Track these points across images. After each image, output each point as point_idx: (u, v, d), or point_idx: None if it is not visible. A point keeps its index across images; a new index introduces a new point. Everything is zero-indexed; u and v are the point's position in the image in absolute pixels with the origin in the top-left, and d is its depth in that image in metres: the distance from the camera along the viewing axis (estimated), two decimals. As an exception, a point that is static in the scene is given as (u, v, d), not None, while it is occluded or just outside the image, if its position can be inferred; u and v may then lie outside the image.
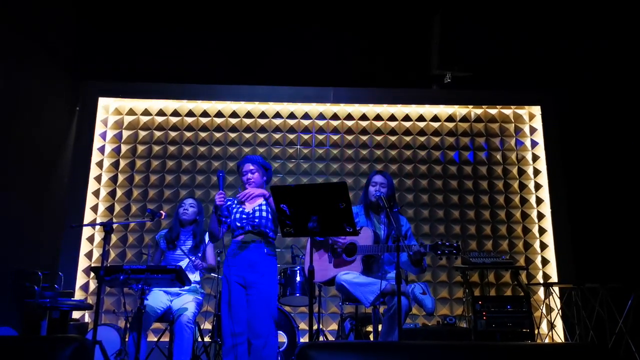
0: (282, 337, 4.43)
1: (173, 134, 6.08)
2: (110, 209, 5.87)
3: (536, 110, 6.20)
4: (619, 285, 4.72)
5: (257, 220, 3.29)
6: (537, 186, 6.02)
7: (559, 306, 5.31)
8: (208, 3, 5.96)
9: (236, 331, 3.10)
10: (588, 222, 5.60)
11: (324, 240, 3.56)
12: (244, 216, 3.31)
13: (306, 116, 6.17)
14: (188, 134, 6.09)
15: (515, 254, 5.81)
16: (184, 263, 3.91)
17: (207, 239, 4.10)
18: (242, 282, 3.23)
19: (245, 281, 3.22)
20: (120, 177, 5.95)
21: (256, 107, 6.18)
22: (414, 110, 6.24)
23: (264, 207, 3.34)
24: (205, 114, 6.15)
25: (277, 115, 6.17)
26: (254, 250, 3.25)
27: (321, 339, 4.54)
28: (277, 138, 6.10)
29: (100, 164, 5.97)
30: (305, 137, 6.12)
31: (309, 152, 6.08)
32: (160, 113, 6.14)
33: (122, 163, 5.99)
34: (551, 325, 5.30)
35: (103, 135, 6.04)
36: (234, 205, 3.43)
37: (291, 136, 6.11)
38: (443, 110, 6.24)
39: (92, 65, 6.01)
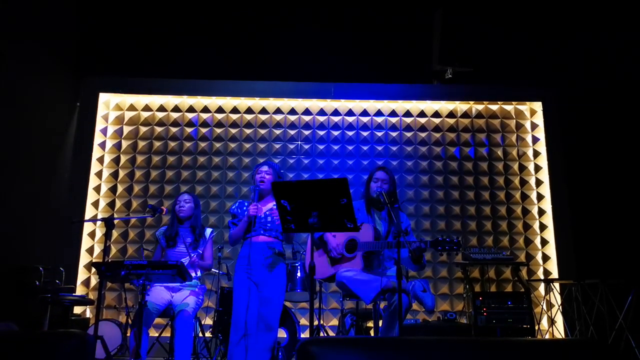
0: (283, 333, 4.44)
1: (174, 129, 6.08)
2: (111, 204, 5.88)
3: (537, 106, 6.18)
4: (619, 281, 4.73)
5: (269, 224, 3.44)
6: (538, 182, 6.01)
7: (559, 302, 5.32)
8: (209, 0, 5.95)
9: (247, 325, 3.28)
10: (588, 219, 5.60)
11: (321, 243, 3.58)
12: (256, 220, 3.43)
13: (307, 112, 6.17)
14: (189, 130, 6.08)
15: (515, 250, 5.82)
16: (185, 259, 3.91)
17: (207, 233, 4.09)
18: (255, 280, 3.38)
19: (259, 279, 3.38)
20: (121, 173, 5.95)
21: (257, 102, 6.17)
22: (414, 106, 6.23)
23: (274, 212, 3.42)
24: (206, 109, 6.15)
25: (278, 111, 6.16)
26: (266, 251, 3.41)
27: (322, 334, 4.55)
28: (277, 134, 6.10)
29: (101, 160, 5.97)
30: (306, 132, 6.11)
31: (309, 148, 6.07)
32: (161, 109, 6.13)
33: (123, 159, 5.99)
34: (551, 321, 5.31)
35: (104, 131, 6.04)
36: (244, 208, 3.54)
37: (292, 132, 6.11)
38: (444, 106, 6.23)
39: (93, 61, 6.01)
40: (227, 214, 5.73)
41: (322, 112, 6.17)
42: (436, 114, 6.21)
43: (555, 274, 5.67)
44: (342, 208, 2.83)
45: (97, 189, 5.90)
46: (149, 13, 5.93)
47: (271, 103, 6.18)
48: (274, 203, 3.44)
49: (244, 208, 3.53)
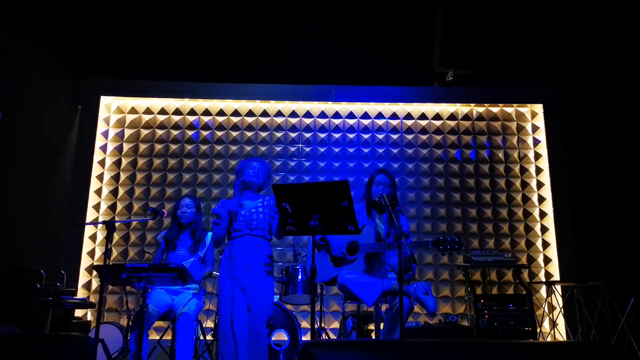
0: (284, 336, 4.44)
1: (175, 132, 6.09)
2: (113, 207, 5.88)
3: (538, 108, 6.18)
4: (621, 283, 4.71)
5: (254, 222, 3.26)
6: (539, 184, 6.01)
7: (561, 304, 5.31)
8: (210, 2, 5.95)
9: (235, 331, 3.09)
10: (590, 220, 5.59)
11: (324, 245, 3.58)
12: (241, 218, 3.27)
13: (308, 114, 6.17)
14: (190, 132, 6.09)
15: (517, 253, 5.81)
16: (186, 262, 3.91)
17: (208, 238, 4.09)
18: (240, 284, 3.19)
19: (244, 283, 3.19)
20: (122, 176, 5.96)
21: (258, 105, 6.18)
22: (415, 108, 6.23)
23: (260, 209, 3.32)
24: (207, 112, 6.15)
25: (279, 113, 6.17)
26: (252, 252, 3.22)
27: (323, 337, 4.54)
28: (278, 136, 6.10)
29: (102, 163, 5.98)
30: (307, 135, 6.11)
31: (311, 151, 6.08)
32: (162, 111, 6.14)
33: (124, 161, 5.99)
34: (553, 324, 5.30)
35: (105, 134, 6.05)
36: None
37: (293, 134, 6.11)
38: (445, 108, 6.23)
39: (94, 63, 6.02)
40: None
41: (323, 115, 6.18)
42: (437, 116, 6.21)
43: (556, 276, 5.66)
44: (343, 210, 2.82)
45: (99, 191, 5.90)
46: (149, 15, 5.94)
47: (272, 105, 6.18)
48: (262, 200, 3.37)
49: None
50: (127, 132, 6.07)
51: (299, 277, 4.44)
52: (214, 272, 4.35)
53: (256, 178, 3.36)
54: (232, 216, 3.23)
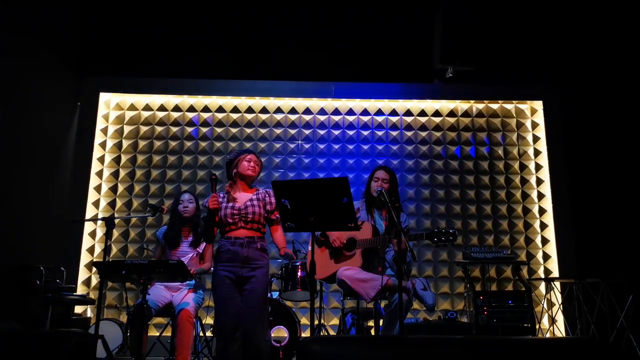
0: (284, 332, 4.44)
1: (174, 129, 6.08)
2: (112, 204, 5.88)
3: (538, 105, 6.18)
4: (621, 280, 4.72)
5: (250, 215, 3.15)
6: (539, 181, 6.01)
7: (560, 301, 5.32)
8: (210, 2, 5.94)
9: (231, 327, 3.01)
10: (590, 217, 5.59)
11: (324, 240, 3.60)
12: (235, 211, 3.15)
13: (307, 111, 6.17)
14: (189, 129, 6.08)
15: (516, 249, 5.82)
16: (186, 259, 3.92)
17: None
18: (235, 278, 3.09)
19: (239, 277, 3.09)
20: (122, 173, 5.96)
21: (257, 102, 6.17)
22: (415, 105, 6.22)
23: (255, 202, 3.21)
24: (206, 109, 6.15)
25: (279, 110, 6.16)
26: (247, 246, 3.12)
27: (323, 333, 4.55)
28: (278, 133, 6.10)
29: (101, 159, 5.97)
30: (307, 132, 6.11)
31: (310, 147, 6.07)
32: (162, 108, 6.13)
33: (124, 158, 5.99)
34: (552, 320, 5.31)
35: (104, 131, 6.04)
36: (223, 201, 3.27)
37: (292, 131, 6.10)
38: (445, 105, 6.23)
39: (93, 60, 6.01)
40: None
41: (322, 112, 6.17)
42: (437, 113, 6.21)
43: (556, 273, 5.67)
44: (342, 207, 2.82)
45: (98, 188, 5.90)
46: (149, 13, 5.93)
47: (272, 102, 6.17)
48: (256, 192, 3.27)
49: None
50: (127, 129, 6.06)
51: (299, 273, 4.45)
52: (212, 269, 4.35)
53: (253, 171, 3.26)
54: (216, 214, 3.12)
